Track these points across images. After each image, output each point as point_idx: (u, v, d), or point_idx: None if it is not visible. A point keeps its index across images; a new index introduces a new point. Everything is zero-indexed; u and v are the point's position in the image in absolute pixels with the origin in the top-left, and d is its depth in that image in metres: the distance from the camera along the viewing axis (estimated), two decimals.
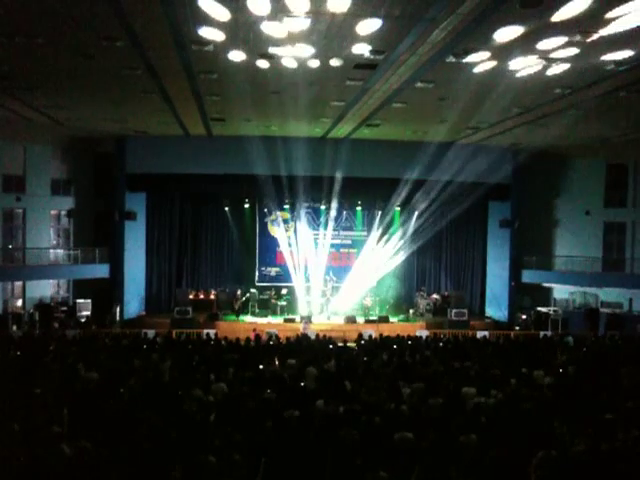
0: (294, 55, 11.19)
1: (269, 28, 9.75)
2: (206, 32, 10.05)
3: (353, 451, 6.32)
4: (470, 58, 11.17)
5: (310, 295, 22.76)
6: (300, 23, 9.49)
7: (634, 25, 9.29)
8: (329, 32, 9.94)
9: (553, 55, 10.93)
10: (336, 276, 23.15)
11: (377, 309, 22.32)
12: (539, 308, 22.40)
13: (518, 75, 12.26)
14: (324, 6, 8.77)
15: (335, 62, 11.59)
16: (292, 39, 10.29)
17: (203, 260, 23.96)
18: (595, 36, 9.85)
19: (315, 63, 11.70)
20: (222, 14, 9.16)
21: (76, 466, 5.65)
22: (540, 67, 11.71)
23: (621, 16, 8.97)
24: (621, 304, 22.18)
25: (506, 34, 9.87)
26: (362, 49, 10.79)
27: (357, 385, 9.38)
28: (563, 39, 10.07)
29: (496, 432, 7.08)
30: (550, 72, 11.99)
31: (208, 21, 9.49)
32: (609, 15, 8.96)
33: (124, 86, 13.96)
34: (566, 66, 11.58)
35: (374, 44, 10.51)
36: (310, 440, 6.61)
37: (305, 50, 10.88)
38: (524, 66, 11.69)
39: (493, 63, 11.54)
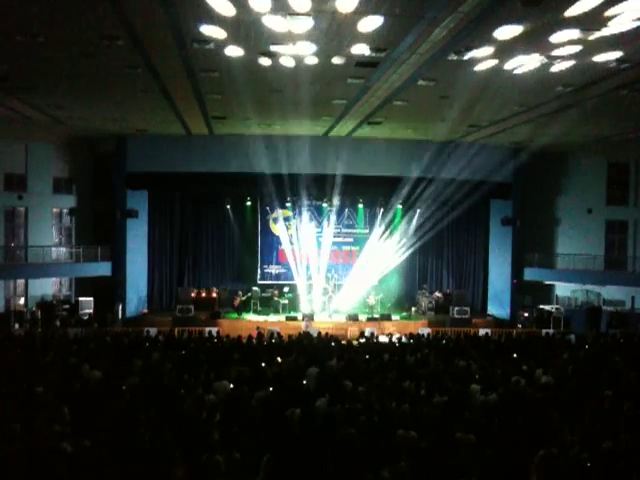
0: (296, 53, 11.17)
1: (271, 26, 9.74)
2: (207, 30, 10.03)
3: (353, 450, 6.33)
4: (471, 56, 11.14)
5: (312, 293, 22.77)
6: (302, 21, 9.47)
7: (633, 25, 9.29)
8: (331, 30, 9.92)
9: (554, 53, 10.90)
10: (338, 274, 23.17)
11: (379, 307, 22.31)
12: (541, 306, 22.38)
13: (519, 73, 12.22)
14: (326, 5, 8.76)
15: (336, 60, 11.57)
16: (294, 37, 10.27)
17: (205, 258, 24.00)
18: (597, 34, 9.83)
19: (316, 61, 11.68)
20: (224, 12, 9.16)
21: (77, 464, 5.66)
22: (541, 65, 11.67)
23: (620, 14, 8.95)
24: (623, 302, 22.15)
25: (507, 32, 9.84)
26: (363, 47, 10.76)
27: (358, 384, 9.37)
28: (565, 37, 10.04)
29: (497, 431, 7.09)
30: (551, 70, 11.95)
31: (209, 19, 9.48)
32: (609, 13, 8.94)
33: (125, 85, 13.95)
34: (568, 64, 11.55)
35: (376, 42, 10.48)
36: (311, 439, 6.62)
37: (307, 48, 10.85)
38: (525, 64, 11.66)
39: (494, 61, 11.51)
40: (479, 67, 11.85)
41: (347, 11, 8.98)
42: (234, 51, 11.13)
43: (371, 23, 9.50)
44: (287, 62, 11.75)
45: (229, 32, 10.13)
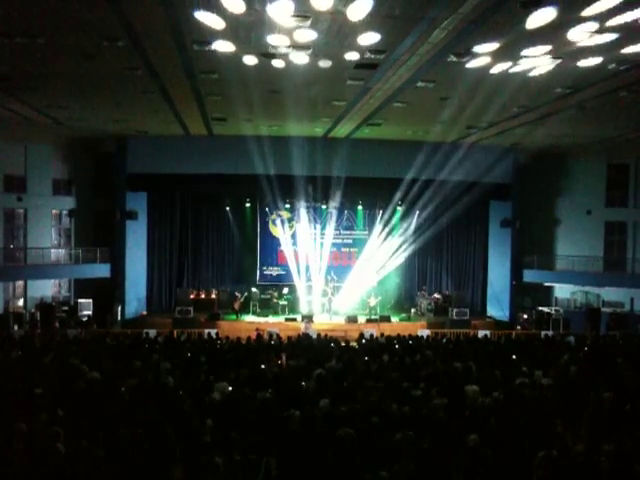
0: (295, 54, 11.16)
1: (270, 27, 9.73)
2: (209, 37, 10.05)
3: (352, 450, 6.32)
4: (471, 58, 11.14)
5: (311, 294, 22.78)
6: (301, 22, 9.46)
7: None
8: (330, 31, 9.92)
9: (555, 54, 10.91)
10: (337, 275, 23.15)
11: (378, 308, 22.31)
12: (540, 308, 22.39)
13: (519, 75, 12.23)
14: (325, 6, 8.76)
15: (336, 61, 11.57)
16: (293, 38, 10.27)
17: (204, 260, 23.98)
18: (596, 36, 9.85)
19: (317, 62, 11.67)
20: (221, 17, 9.17)
21: (75, 465, 5.65)
22: (542, 66, 11.68)
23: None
24: (622, 304, 22.16)
25: (507, 33, 9.84)
26: (363, 48, 10.76)
27: (357, 385, 9.37)
28: (565, 39, 10.06)
29: (497, 432, 7.08)
30: (551, 71, 11.95)
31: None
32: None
33: (125, 86, 13.94)
34: (568, 65, 11.55)
35: (375, 39, 10.45)
36: (311, 440, 6.61)
37: (306, 49, 10.83)
38: (525, 65, 11.66)
39: (494, 63, 11.51)
40: (479, 69, 11.84)
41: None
42: (234, 53, 11.12)
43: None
44: (287, 63, 11.74)
45: (228, 33, 10.13)
